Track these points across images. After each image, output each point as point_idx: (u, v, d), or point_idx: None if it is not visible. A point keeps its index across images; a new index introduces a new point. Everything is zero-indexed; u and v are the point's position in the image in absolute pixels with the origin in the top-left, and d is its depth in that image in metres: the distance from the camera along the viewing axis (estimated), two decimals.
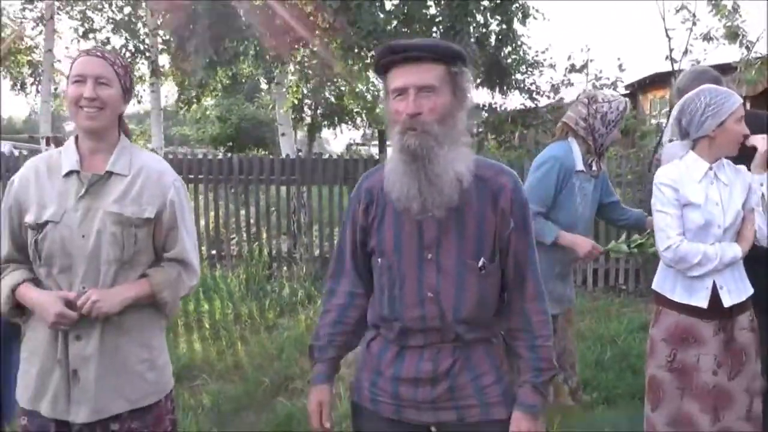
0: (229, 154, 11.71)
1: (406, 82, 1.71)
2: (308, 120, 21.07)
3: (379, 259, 1.85)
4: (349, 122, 24.09)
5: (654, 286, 2.73)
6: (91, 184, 2.00)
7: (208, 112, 21.00)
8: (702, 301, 2.54)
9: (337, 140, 34.60)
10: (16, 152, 10.56)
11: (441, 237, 1.79)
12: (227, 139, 21.03)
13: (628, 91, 14.00)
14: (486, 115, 11.98)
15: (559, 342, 3.24)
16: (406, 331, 1.84)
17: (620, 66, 10.50)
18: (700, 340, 2.56)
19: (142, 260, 2.06)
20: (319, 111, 21.94)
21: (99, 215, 1.98)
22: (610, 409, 3.98)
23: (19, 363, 2.14)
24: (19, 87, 15.46)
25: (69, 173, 2.02)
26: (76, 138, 2.08)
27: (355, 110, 22.83)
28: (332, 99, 20.60)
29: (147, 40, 12.56)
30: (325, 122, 23.65)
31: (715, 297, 2.54)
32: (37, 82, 15.34)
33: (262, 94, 24.16)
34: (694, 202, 2.53)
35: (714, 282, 2.53)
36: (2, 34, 14.36)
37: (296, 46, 11.33)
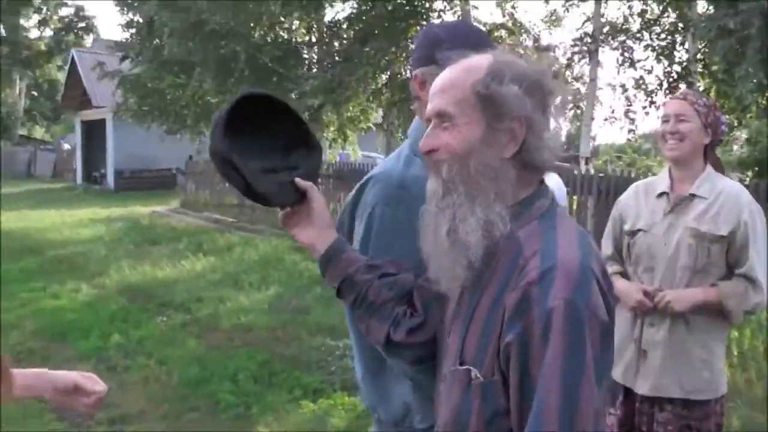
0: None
1: (430, 109, 1.22)
2: None
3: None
4: None
5: None
6: (676, 203, 2.45)
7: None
8: None
9: None
10: None
11: (453, 318, 1.26)
12: (754, 164, 19.40)
13: None
14: None
15: None
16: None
17: None
18: None
19: (713, 272, 2.37)
20: None
21: (680, 229, 2.42)
22: None
23: None
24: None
25: (661, 194, 2.50)
26: (670, 168, 2.58)
27: None
28: None
29: (690, 67, 12.71)
30: None
31: None
32: (577, 108, 17.32)
33: None
34: None
35: None
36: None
37: None
